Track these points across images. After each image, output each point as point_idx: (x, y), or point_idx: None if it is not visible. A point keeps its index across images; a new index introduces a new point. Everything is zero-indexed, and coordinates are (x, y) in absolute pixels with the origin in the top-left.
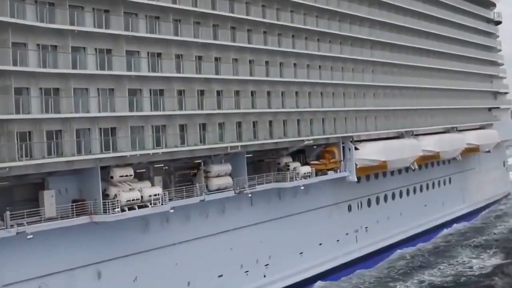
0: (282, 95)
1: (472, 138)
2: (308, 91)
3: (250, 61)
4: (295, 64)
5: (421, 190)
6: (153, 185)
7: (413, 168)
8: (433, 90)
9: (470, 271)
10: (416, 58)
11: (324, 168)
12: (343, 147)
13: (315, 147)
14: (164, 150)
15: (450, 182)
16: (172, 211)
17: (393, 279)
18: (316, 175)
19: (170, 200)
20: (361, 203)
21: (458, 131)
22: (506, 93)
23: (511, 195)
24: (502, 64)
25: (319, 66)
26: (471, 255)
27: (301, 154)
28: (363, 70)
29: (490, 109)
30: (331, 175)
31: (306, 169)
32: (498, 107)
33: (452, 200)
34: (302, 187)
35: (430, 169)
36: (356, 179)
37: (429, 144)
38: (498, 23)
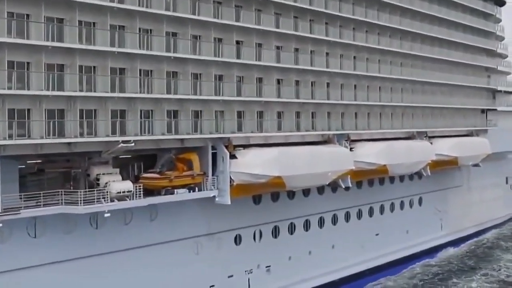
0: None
1: (445, 147)
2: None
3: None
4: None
5: (370, 213)
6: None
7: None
8: (394, 82)
9: None
10: (382, 40)
11: (165, 185)
12: (214, 154)
13: (170, 153)
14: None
15: (420, 203)
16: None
17: None
18: (165, 193)
19: None
20: (261, 232)
21: (428, 138)
22: (511, 92)
23: None
24: (506, 57)
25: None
26: None
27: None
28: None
29: (484, 111)
30: (180, 195)
31: (124, 186)
32: (495, 109)
33: (423, 227)
34: (108, 214)
35: (388, 186)
36: (229, 202)
37: (369, 155)
38: (501, 3)
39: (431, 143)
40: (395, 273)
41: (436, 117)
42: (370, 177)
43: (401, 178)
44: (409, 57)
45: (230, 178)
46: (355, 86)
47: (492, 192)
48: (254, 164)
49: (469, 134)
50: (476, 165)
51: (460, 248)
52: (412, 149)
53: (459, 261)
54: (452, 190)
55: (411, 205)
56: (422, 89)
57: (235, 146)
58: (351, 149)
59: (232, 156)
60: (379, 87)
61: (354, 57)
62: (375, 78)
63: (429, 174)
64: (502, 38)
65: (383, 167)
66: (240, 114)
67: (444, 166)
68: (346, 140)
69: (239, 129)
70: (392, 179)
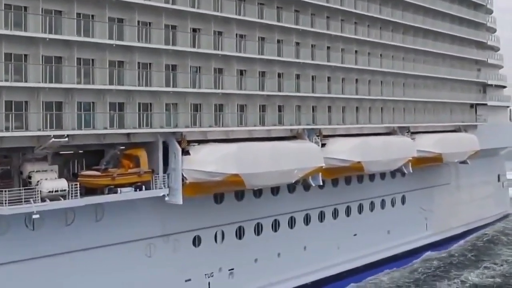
0: None
1: (428, 144)
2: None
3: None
4: None
5: (347, 213)
6: None
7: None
8: (374, 74)
9: None
10: (360, 29)
11: (107, 183)
12: (166, 149)
13: (117, 149)
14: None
15: (403, 202)
16: None
17: None
18: (108, 192)
19: None
20: (223, 233)
21: (411, 133)
22: (503, 87)
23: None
24: (498, 49)
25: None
26: None
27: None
28: None
29: (473, 106)
30: (125, 194)
31: (56, 184)
32: (485, 104)
33: (406, 227)
34: (37, 215)
35: (368, 184)
36: (181, 201)
37: (342, 151)
38: None
39: (413, 139)
40: (373, 275)
41: (420, 112)
42: (345, 175)
43: (382, 175)
44: (390, 48)
45: (183, 176)
46: (328, 78)
47: (482, 190)
48: (208, 160)
49: (456, 130)
50: (464, 162)
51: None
52: (390, 145)
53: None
54: (438, 188)
55: (393, 204)
56: (405, 82)
57: (190, 142)
58: (323, 145)
59: (186, 152)
60: (356, 80)
61: (328, 48)
62: (351, 70)
63: (411, 171)
64: (494, 30)
65: (357, 164)
66: (196, 107)
67: (427, 163)
68: (317, 136)
69: (195, 123)
70: (372, 177)
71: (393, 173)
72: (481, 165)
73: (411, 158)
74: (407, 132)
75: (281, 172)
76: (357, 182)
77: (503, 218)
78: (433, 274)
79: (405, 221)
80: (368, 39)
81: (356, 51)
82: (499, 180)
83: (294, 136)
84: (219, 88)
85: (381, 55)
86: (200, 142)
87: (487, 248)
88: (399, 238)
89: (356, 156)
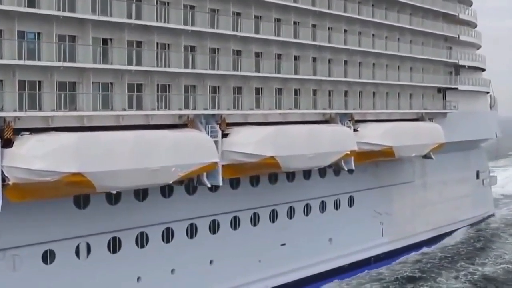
0: None
1: (374, 135)
2: None
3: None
4: None
5: (272, 218)
6: None
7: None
8: (299, 48)
9: None
10: None
11: None
12: None
13: None
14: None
15: (351, 203)
16: None
17: None
18: None
19: None
20: (88, 246)
21: (355, 122)
22: (482, 70)
23: (495, 216)
24: (474, 26)
25: None
26: None
27: None
28: None
29: (441, 90)
30: None
31: None
32: (456, 88)
33: (354, 234)
34: None
35: (301, 183)
36: None
37: (247, 144)
38: None
39: (356, 129)
40: None
41: (368, 96)
42: (259, 173)
43: (322, 172)
44: (325, 17)
45: (3, 175)
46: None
47: (456, 189)
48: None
49: (419, 119)
50: (427, 157)
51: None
52: (316, 137)
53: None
54: (398, 187)
55: (336, 206)
56: (349, 59)
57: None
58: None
59: (5, 144)
60: (276, 55)
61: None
62: (269, 42)
63: (353, 168)
64: (469, 3)
65: (270, 160)
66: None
67: (375, 159)
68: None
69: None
70: (307, 174)
71: (337, 170)
72: (456, 160)
73: (348, 152)
74: (349, 121)
75: (144, 169)
76: (287, 181)
77: (484, 219)
78: None
79: (354, 227)
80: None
81: (275, 19)
82: (478, 177)
83: (326, 121)
84: (238, 70)
85: (313, 25)
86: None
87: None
88: (343, 247)
89: (266, 150)
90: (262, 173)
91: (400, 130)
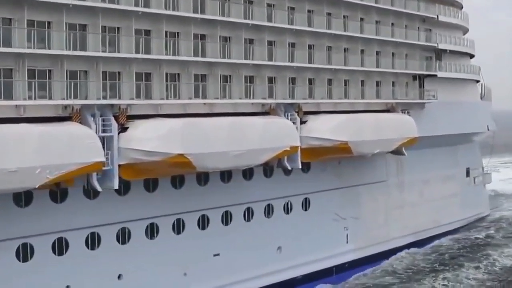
0: None
1: (323, 128)
2: None
3: None
4: None
5: (202, 225)
6: None
7: None
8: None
9: None
10: None
11: None
12: None
13: None
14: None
15: (306, 207)
16: None
17: None
18: None
19: None
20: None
21: (304, 114)
22: (470, 56)
23: (490, 217)
24: (460, 6)
25: None
26: None
27: None
28: None
29: (418, 78)
30: None
31: None
32: (435, 75)
33: (311, 241)
34: None
35: (241, 184)
36: None
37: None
38: None
39: (304, 121)
40: None
41: (321, 84)
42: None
43: (266, 172)
44: None
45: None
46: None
47: (442, 188)
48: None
49: (390, 110)
50: (398, 153)
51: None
52: (240, 131)
53: None
54: (368, 188)
55: (287, 210)
56: (298, 41)
57: None
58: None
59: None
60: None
61: None
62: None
63: (299, 166)
64: None
65: (179, 158)
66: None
67: (329, 156)
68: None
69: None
70: (248, 174)
71: (287, 169)
72: (441, 156)
73: (288, 149)
74: (297, 112)
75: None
76: (222, 182)
77: (476, 222)
78: None
79: (310, 233)
80: None
81: None
82: (468, 175)
83: (266, 112)
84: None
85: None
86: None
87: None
88: (296, 256)
89: (172, 147)
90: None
91: (358, 123)
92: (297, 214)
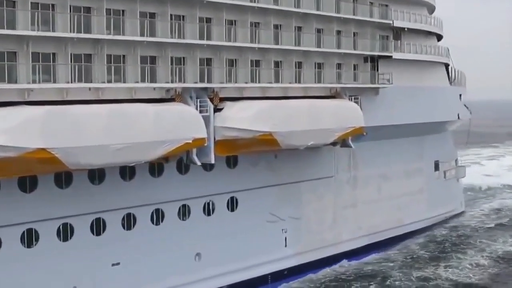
0: None
1: (241, 116)
2: None
3: None
4: None
5: (96, 230)
6: None
7: None
8: None
9: None
10: None
11: None
12: None
13: None
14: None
15: (233, 207)
16: None
17: None
18: None
19: None
20: None
21: (220, 100)
22: (437, 37)
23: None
24: None
25: None
26: None
27: None
28: None
29: (372, 60)
30: None
31: None
32: (390, 56)
33: (238, 246)
34: None
35: (146, 181)
36: None
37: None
38: None
39: (219, 107)
40: None
41: (243, 64)
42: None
43: (182, 167)
44: None
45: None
46: None
47: (405, 184)
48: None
49: (335, 96)
50: (344, 145)
51: None
52: (124, 122)
53: None
54: (311, 185)
55: (207, 211)
56: (216, 17)
57: None
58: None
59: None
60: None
61: None
62: None
63: (212, 162)
64: None
65: (42, 154)
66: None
67: (251, 149)
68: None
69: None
70: (156, 170)
71: (207, 165)
72: (403, 148)
73: (190, 141)
74: (211, 98)
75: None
76: (122, 180)
77: (447, 220)
78: None
79: (238, 236)
80: None
81: None
82: (437, 168)
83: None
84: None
85: None
86: None
87: None
88: (220, 264)
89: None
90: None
91: (286, 110)
92: (221, 216)
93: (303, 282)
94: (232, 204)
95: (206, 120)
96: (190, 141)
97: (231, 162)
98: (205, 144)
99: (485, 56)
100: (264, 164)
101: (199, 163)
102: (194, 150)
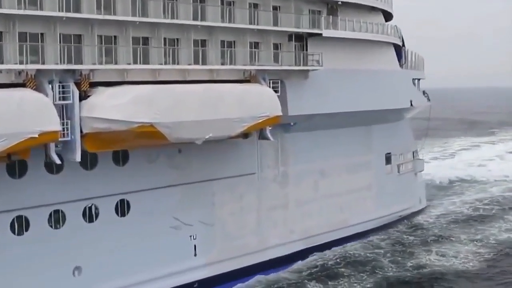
0: None
1: (110, 104)
2: None
3: None
4: None
5: None
6: None
7: None
8: None
9: None
10: None
11: None
12: None
13: None
14: None
15: (124, 211)
16: None
17: None
18: None
19: None
20: None
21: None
22: (386, 15)
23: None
24: None
25: None
26: None
27: None
28: None
29: (297, 37)
30: None
31: None
32: (320, 34)
33: (130, 257)
34: None
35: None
36: None
37: None
38: None
39: (88, 95)
40: None
41: (127, 42)
42: None
43: (51, 167)
44: None
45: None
46: None
47: (350, 180)
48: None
49: (250, 80)
50: (263, 137)
51: None
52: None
53: None
54: (227, 183)
55: (88, 216)
56: None
57: None
58: None
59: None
60: None
61: None
62: None
63: (78, 160)
64: None
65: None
66: None
67: (135, 143)
68: None
69: None
70: (17, 171)
71: (89, 162)
72: (346, 139)
73: (36, 136)
74: (79, 82)
75: None
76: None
77: (400, 220)
78: None
79: (131, 245)
80: None
81: None
82: (389, 162)
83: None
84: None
85: None
86: None
87: None
88: (106, 279)
89: None
90: None
91: (173, 96)
92: (107, 222)
93: None
94: (123, 208)
95: (70, 109)
96: (36, 136)
97: (120, 158)
98: (61, 139)
99: (482, 43)
100: (164, 160)
101: (57, 162)
102: (52, 146)
